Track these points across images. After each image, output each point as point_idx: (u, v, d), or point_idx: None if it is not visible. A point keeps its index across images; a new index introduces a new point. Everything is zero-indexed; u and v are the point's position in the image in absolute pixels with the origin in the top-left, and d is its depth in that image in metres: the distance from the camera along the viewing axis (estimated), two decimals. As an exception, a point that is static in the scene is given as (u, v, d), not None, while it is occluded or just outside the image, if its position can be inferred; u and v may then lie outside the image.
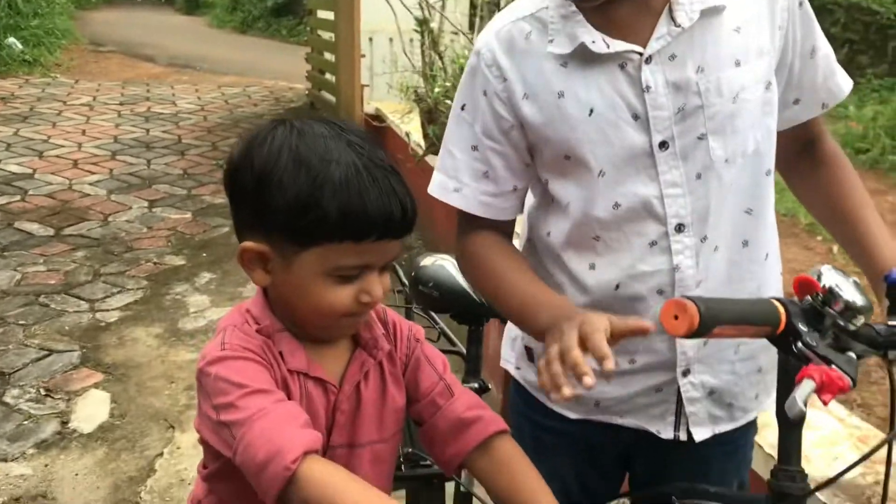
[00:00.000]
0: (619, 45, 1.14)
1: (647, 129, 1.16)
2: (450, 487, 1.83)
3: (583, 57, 1.16)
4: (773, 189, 1.28)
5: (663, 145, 1.16)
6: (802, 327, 0.96)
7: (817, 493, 1.60)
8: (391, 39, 6.99)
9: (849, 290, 0.97)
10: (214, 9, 23.06)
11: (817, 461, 1.73)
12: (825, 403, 0.91)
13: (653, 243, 1.19)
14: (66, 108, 8.77)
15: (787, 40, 1.23)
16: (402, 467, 1.81)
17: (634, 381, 1.27)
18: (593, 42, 1.14)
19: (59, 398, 3.32)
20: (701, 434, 1.29)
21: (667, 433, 1.30)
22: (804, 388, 0.89)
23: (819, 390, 0.90)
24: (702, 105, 1.16)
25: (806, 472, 1.04)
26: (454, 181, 1.27)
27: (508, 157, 1.24)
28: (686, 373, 1.26)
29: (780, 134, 1.28)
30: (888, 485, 1.09)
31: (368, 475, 1.10)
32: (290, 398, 1.04)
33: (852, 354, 0.96)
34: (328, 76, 8.43)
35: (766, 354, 1.28)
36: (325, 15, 8.24)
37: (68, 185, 6.23)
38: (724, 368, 1.28)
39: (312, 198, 0.98)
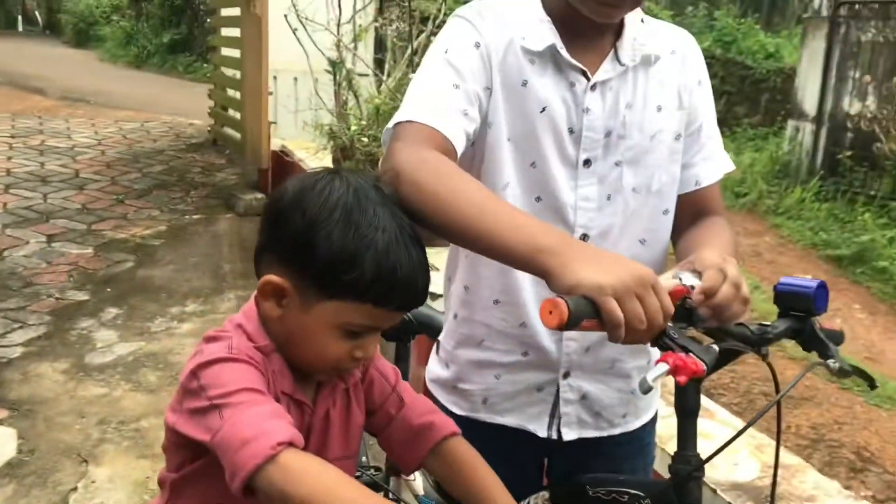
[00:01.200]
0: (575, 62, 1.31)
1: (578, 144, 1.32)
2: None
3: (549, 59, 1.31)
4: (668, 228, 1.44)
5: (587, 163, 1.33)
6: (668, 324, 1.07)
7: (722, 494, 1.78)
8: (296, 78, 7.12)
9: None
10: (105, 42, 22.54)
11: (722, 467, 1.92)
12: (681, 384, 1.03)
13: None
14: (-48, 140, 8.42)
15: (689, 112, 1.42)
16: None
17: (521, 379, 1.41)
18: (562, 49, 1.30)
19: (-39, 435, 3.22)
20: (568, 435, 1.44)
21: (542, 432, 1.44)
22: (657, 370, 1.02)
23: (674, 373, 1.03)
24: (624, 136, 1.34)
25: (701, 456, 1.18)
26: (432, 107, 1.25)
27: (479, 106, 1.30)
28: (566, 375, 1.41)
29: (678, 203, 1.43)
30: (777, 470, 1.25)
31: None
32: None
33: (714, 347, 1.08)
34: (232, 112, 8.42)
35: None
36: (230, 53, 8.26)
37: (-41, 218, 6.00)
38: (598, 378, 1.43)
39: (356, 258, 1.03)
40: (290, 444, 0.96)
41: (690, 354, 1.03)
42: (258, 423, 0.96)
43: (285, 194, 1.10)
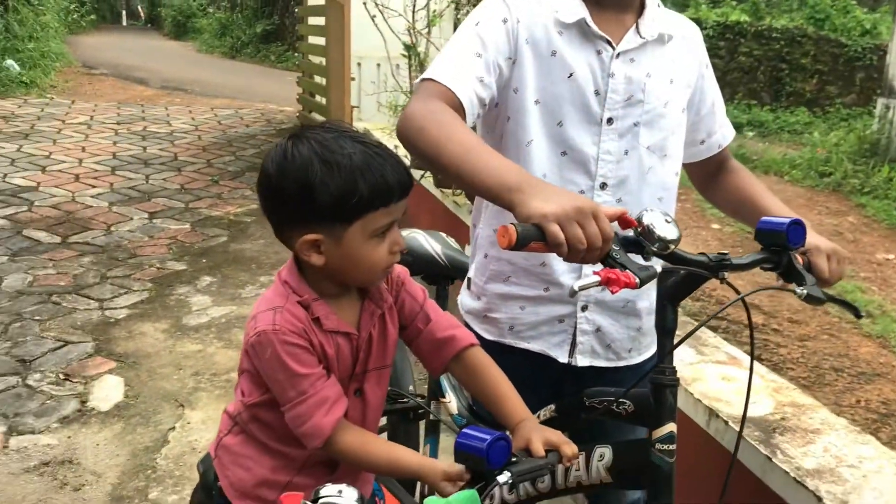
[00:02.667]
0: (602, 33, 1.54)
1: (602, 104, 1.55)
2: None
3: (577, 31, 1.54)
4: (675, 190, 1.69)
5: (610, 121, 1.56)
6: (614, 246, 1.24)
7: (733, 426, 1.97)
8: (378, 64, 7.43)
9: (661, 227, 1.27)
10: (203, 34, 23.48)
11: (737, 404, 2.10)
12: (613, 293, 1.20)
13: (581, 192, 1.57)
14: (65, 127, 9.10)
15: (697, 91, 1.69)
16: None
17: (543, 311, 1.65)
18: (590, 21, 1.53)
19: (77, 382, 3.64)
20: (581, 361, 1.66)
21: (563, 358, 1.66)
22: (588, 280, 1.20)
23: (606, 284, 1.20)
24: (642, 100, 1.57)
25: (676, 369, 1.40)
26: (452, 72, 1.48)
27: (497, 76, 1.53)
28: (584, 308, 1.64)
29: (696, 164, 1.79)
30: (750, 393, 1.44)
31: (374, 388, 1.46)
32: (327, 355, 1.36)
33: (655, 266, 1.25)
34: (318, 98, 8.82)
35: (648, 320, 1.68)
36: (317, 41, 8.65)
37: (71, 197, 6.55)
38: (611, 314, 1.66)
39: (349, 186, 1.27)
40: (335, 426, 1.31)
41: (627, 271, 1.21)
42: (312, 416, 1.31)
43: (270, 176, 1.32)
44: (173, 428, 3.30)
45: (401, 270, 1.52)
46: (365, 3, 5.19)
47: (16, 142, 8.18)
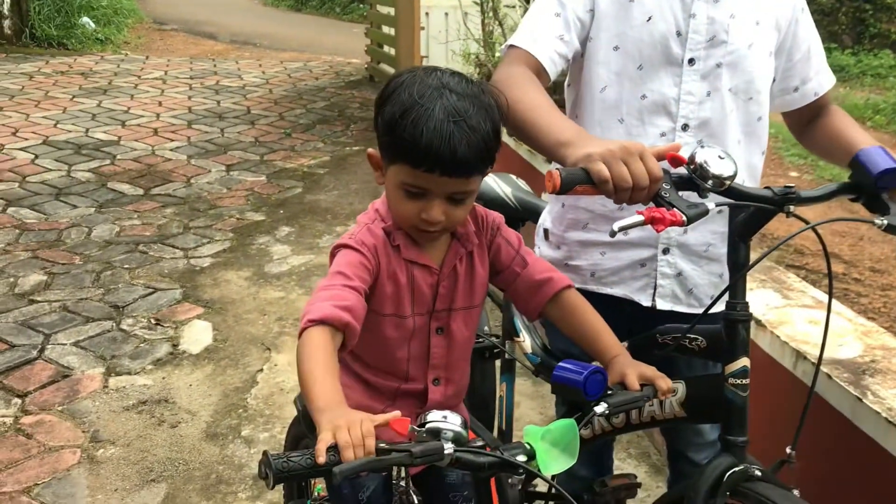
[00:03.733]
0: None
1: (684, 45, 1.55)
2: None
3: None
4: (764, 135, 1.67)
5: (691, 62, 1.56)
6: (665, 185, 1.25)
7: (822, 367, 1.97)
8: (447, 14, 7.41)
9: (715, 163, 1.27)
10: (269, -12, 23.56)
11: (828, 348, 2.09)
12: (658, 231, 1.21)
13: (662, 134, 1.58)
14: (140, 82, 9.31)
15: (788, 36, 1.64)
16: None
17: (624, 255, 1.67)
18: None
19: (167, 326, 3.81)
20: (662, 305, 1.68)
21: (646, 301, 1.69)
22: (630, 219, 1.21)
23: (651, 223, 1.20)
24: (726, 41, 1.56)
25: (749, 305, 1.41)
26: (532, 35, 1.58)
27: (578, 30, 1.58)
28: (666, 251, 1.65)
29: (792, 113, 1.74)
30: (828, 329, 1.45)
31: (461, 328, 1.51)
32: (398, 283, 1.42)
33: (707, 205, 1.24)
34: (387, 49, 8.83)
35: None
36: (385, -9, 8.64)
37: (151, 150, 6.74)
38: (692, 259, 1.67)
39: (396, 125, 1.29)
40: (322, 321, 1.23)
41: (674, 209, 1.21)
42: (313, 303, 1.27)
43: (383, 87, 1.38)
44: (261, 370, 3.43)
45: (496, 216, 1.56)
46: (436, -48, 5.16)
47: (95, 97, 8.42)
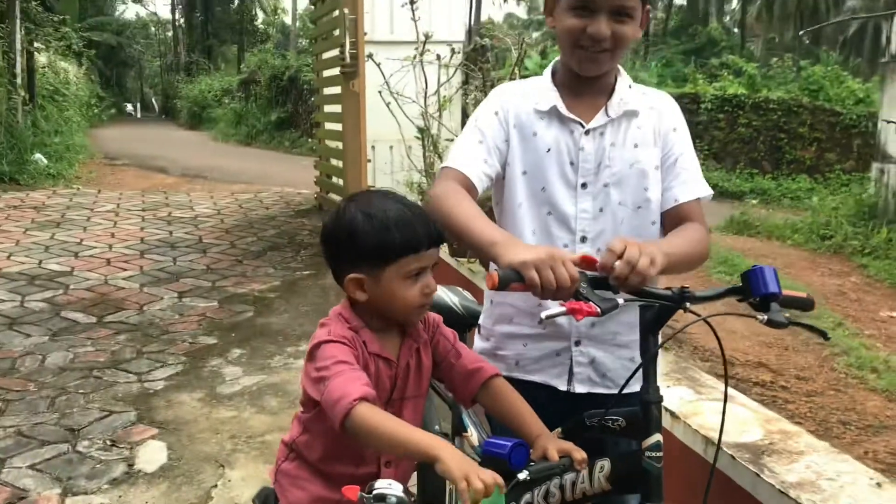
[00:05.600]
0: (573, 115, 1.88)
1: (576, 172, 1.88)
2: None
3: (553, 115, 1.89)
4: (657, 236, 1.93)
5: (584, 185, 1.88)
6: (583, 284, 1.53)
7: (723, 448, 2.22)
8: (391, 147, 7.87)
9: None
10: (218, 123, 24.27)
11: (732, 432, 2.35)
12: (578, 320, 1.50)
13: (565, 245, 1.88)
14: (93, 215, 9.53)
15: (665, 148, 1.94)
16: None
17: (543, 346, 1.94)
18: (562, 107, 1.88)
19: (123, 447, 3.90)
20: (580, 388, 1.93)
21: (562, 386, 1.94)
22: (555, 310, 1.49)
23: (571, 313, 1.47)
24: (609, 166, 1.88)
25: (659, 389, 1.66)
26: (462, 159, 1.87)
27: (498, 155, 1.89)
28: (577, 343, 1.92)
29: (662, 215, 1.94)
30: (725, 414, 1.71)
31: (411, 413, 1.75)
32: (368, 372, 1.64)
33: (617, 299, 1.52)
34: (335, 180, 9.25)
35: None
36: (333, 126, 9.13)
37: (104, 280, 6.90)
38: (603, 347, 1.93)
39: (385, 235, 1.61)
40: (363, 398, 1.48)
41: (590, 302, 1.49)
42: (342, 388, 1.51)
43: (327, 228, 1.69)
44: (216, 485, 3.54)
45: (436, 316, 1.83)
46: (380, 92, 5.61)
47: (48, 230, 8.59)
